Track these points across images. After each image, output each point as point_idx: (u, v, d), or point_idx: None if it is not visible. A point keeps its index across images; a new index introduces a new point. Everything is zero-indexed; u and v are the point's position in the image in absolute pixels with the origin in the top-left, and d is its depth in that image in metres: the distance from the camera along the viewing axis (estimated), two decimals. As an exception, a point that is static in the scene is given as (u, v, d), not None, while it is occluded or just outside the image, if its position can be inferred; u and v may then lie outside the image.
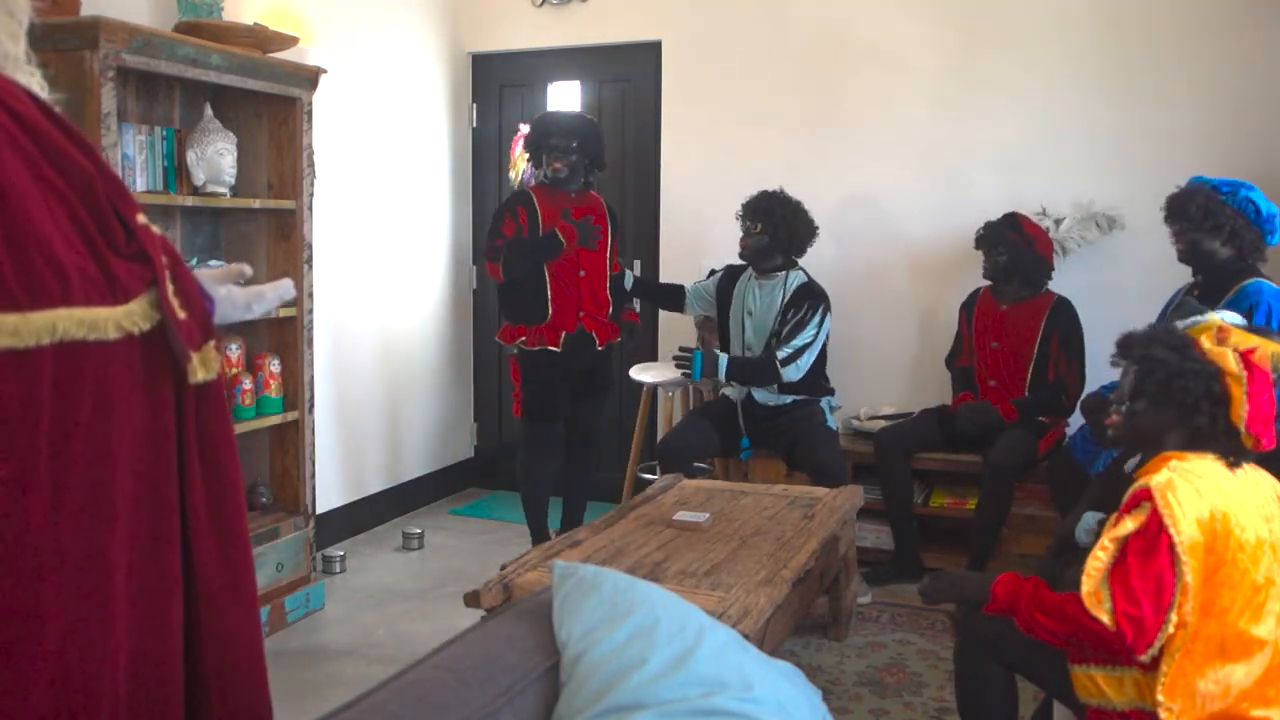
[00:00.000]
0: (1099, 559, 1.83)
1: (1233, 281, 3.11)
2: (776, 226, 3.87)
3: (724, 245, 4.47)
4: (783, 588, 2.55)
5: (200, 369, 1.24)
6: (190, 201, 3.29)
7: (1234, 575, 1.81)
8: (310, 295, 3.62)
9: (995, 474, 3.68)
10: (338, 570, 4.03)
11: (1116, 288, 4.03)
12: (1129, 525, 1.82)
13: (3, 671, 1.07)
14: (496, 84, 5.19)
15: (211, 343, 1.26)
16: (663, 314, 4.83)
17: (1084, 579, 1.82)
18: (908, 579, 3.89)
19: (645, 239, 4.94)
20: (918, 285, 4.47)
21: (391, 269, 4.69)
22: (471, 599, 2.49)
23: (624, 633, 1.44)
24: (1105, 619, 1.77)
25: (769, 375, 3.82)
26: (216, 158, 3.32)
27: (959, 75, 4.33)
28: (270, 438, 3.66)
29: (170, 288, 1.21)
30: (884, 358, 4.51)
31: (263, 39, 3.45)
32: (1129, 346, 2.02)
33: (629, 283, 4.09)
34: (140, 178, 3.17)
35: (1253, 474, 1.93)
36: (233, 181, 3.40)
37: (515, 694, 1.38)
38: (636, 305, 4.27)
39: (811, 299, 3.86)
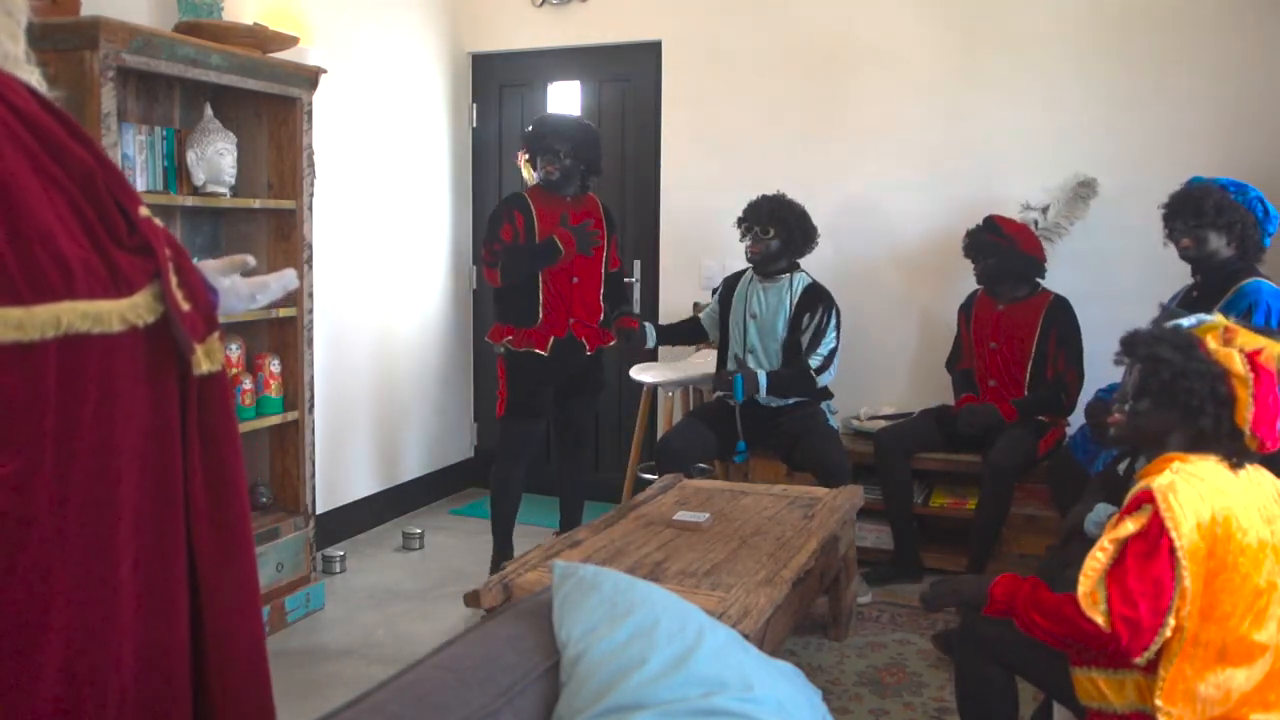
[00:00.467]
0: (1098, 559, 1.81)
1: (1231, 281, 3.12)
2: (791, 231, 3.90)
3: (724, 245, 4.47)
4: (783, 588, 2.55)
5: (204, 361, 1.24)
6: (190, 201, 3.29)
7: (1235, 580, 1.79)
8: (310, 295, 3.62)
9: (995, 474, 3.68)
10: (338, 570, 4.03)
11: (1116, 288, 4.03)
12: (1130, 527, 1.81)
13: (10, 664, 1.07)
14: (496, 84, 5.19)
15: (216, 334, 1.26)
16: (663, 314, 4.83)
17: (1081, 578, 1.80)
18: (908, 579, 3.90)
19: (645, 239, 4.94)
20: (917, 285, 4.47)
21: (391, 269, 4.69)
22: (471, 599, 2.49)
23: (624, 633, 1.44)
24: (1100, 620, 1.76)
25: (806, 385, 3.87)
26: (216, 158, 3.32)
27: (959, 76, 4.33)
28: (270, 438, 3.66)
29: (174, 279, 1.21)
30: (883, 358, 4.51)
31: (263, 39, 3.45)
32: (1134, 345, 1.99)
33: (652, 341, 4.10)
34: (140, 178, 3.17)
35: (1255, 474, 1.91)
36: (233, 181, 3.40)
37: (515, 694, 1.38)
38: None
39: (824, 302, 3.91)
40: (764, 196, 3.96)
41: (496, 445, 3.99)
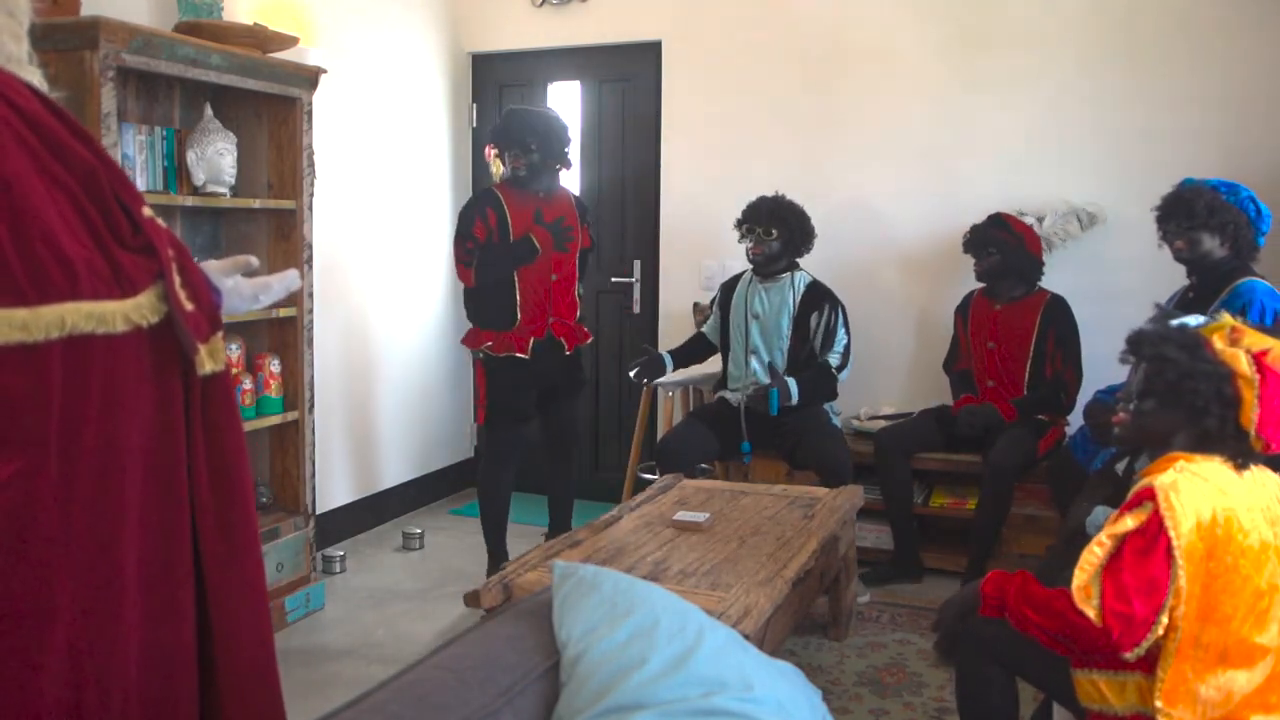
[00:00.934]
0: (1094, 554, 1.80)
1: (1226, 281, 3.13)
2: (792, 230, 3.92)
3: (724, 244, 4.47)
4: (783, 588, 2.55)
5: (208, 361, 1.24)
6: (190, 201, 3.29)
7: (1235, 582, 1.78)
8: (310, 295, 3.62)
9: (995, 474, 3.68)
10: (338, 570, 4.03)
11: (1115, 289, 4.03)
12: (1129, 523, 1.80)
13: (14, 664, 1.07)
14: (496, 84, 5.19)
15: (219, 334, 1.27)
16: (662, 315, 4.84)
17: (1076, 572, 1.79)
18: (908, 579, 3.90)
19: (645, 239, 4.94)
20: (917, 285, 4.47)
21: (391, 269, 4.68)
22: (471, 599, 2.49)
23: (624, 633, 1.44)
24: (1092, 614, 1.76)
25: (830, 386, 3.92)
26: (216, 158, 3.32)
27: (959, 76, 4.33)
28: (270, 438, 3.66)
29: (177, 280, 1.21)
30: (883, 358, 4.51)
31: (262, 39, 3.45)
32: (1139, 344, 1.97)
33: (670, 369, 4.09)
34: (140, 178, 3.17)
35: (1259, 475, 1.89)
36: (233, 181, 3.40)
37: (515, 694, 1.38)
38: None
39: (829, 299, 3.94)
40: (763, 198, 3.98)
41: (482, 456, 3.94)
